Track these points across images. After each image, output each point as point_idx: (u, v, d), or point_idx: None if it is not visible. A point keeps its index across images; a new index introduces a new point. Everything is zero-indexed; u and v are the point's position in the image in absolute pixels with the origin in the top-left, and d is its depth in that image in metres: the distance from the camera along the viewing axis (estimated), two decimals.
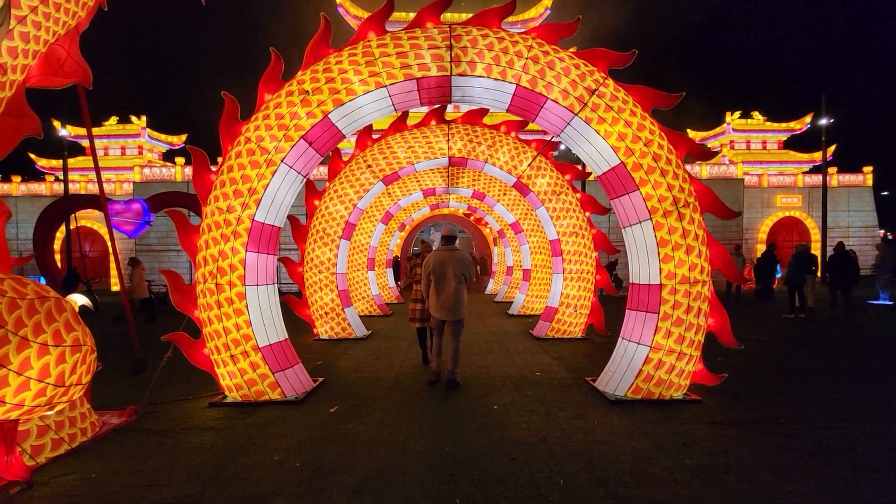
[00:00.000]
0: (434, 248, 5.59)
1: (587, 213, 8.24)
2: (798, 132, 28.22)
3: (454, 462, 3.41)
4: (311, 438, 3.86)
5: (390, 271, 15.15)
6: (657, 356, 4.66)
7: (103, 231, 22.28)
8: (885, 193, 34.52)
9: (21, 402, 2.75)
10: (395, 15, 4.98)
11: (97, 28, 4.26)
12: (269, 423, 4.22)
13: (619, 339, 5.12)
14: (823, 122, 18.98)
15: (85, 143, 26.62)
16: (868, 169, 24.76)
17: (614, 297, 12.18)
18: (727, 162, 23.73)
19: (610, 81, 4.80)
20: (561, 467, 3.31)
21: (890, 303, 12.14)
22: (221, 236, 4.75)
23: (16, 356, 2.66)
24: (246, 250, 4.77)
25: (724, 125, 28.21)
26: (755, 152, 28.04)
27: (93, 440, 3.83)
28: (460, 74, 4.79)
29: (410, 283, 6.42)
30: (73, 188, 21.61)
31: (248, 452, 3.61)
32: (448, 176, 10.57)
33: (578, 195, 8.30)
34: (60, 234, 18.61)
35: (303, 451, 3.62)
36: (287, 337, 5.24)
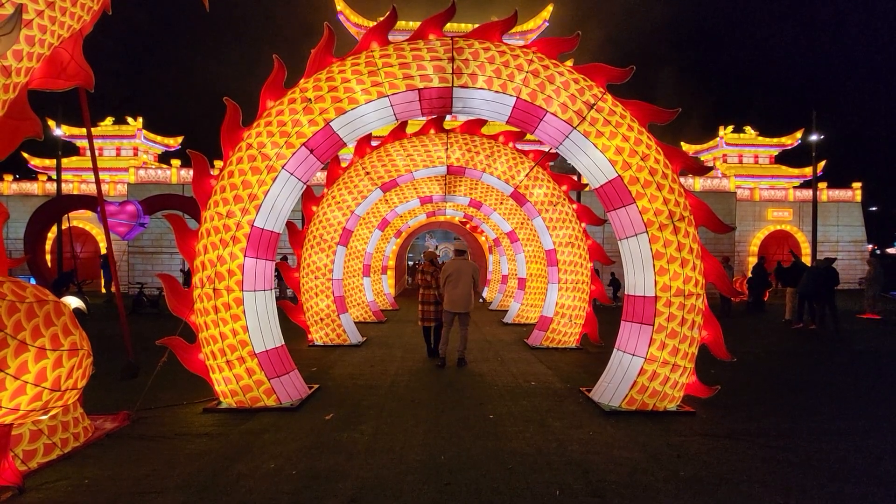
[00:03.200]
0: (449, 257, 7.32)
1: (583, 224, 8.32)
2: (789, 147, 28.73)
3: (450, 471, 3.41)
4: (306, 446, 3.85)
5: (385, 277, 15.14)
6: (652, 368, 4.71)
7: (95, 232, 22.09)
8: (874, 209, 35.11)
9: (17, 407, 2.72)
10: (397, 23, 5.05)
11: (95, 28, 4.28)
12: (264, 430, 4.20)
13: (614, 351, 5.16)
14: (814, 137, 19.35)
15: (79, 142, 26.45)
16: (857, 184, 25.24)
17: (608, 307, 12.28)
18: (720, 175, 24.06)
19: (608, 96, 4.89)
20: (557, 477, 3.32)
21: (878, 317, 12.32)
22: (220, 241, 4.75)
23: (13, 360, 2.64)
24: (245, 256, 4.77)
25: (717, 139, 28.66)
26: (747, 166, 28.48)
27: (85, 445, 3.79)
28: (461, 86, 4.85)
29: (418, 286, 7.45)
30: (66, 188, 21.43)
31: (243, 460, 3.59)
32: (445, 184, 10.63)
33: (575, 206, 8.39)
34: (51, 235, 18.42)
35: (298, 458, 3.61)
36: (283, 343, 5.23)
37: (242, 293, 4.75)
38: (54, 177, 20.01)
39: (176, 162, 21.96)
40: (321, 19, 4.82)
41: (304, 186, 5.35)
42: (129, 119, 26.61)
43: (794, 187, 25.89)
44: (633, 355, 4.83)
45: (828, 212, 24.49)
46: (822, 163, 25.87)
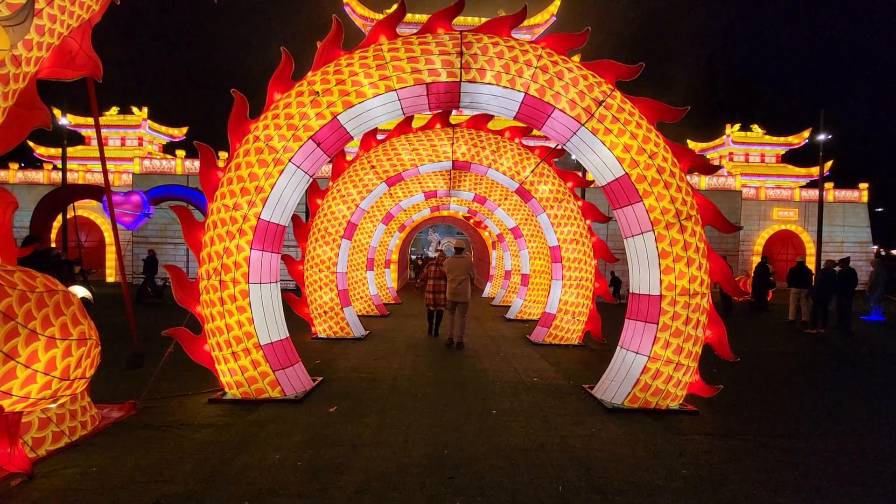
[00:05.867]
0: (449, 255, 8.13)
1: (587, 221, 8.30)
2: (796, 146, 28.54)
3: (454, 465, 3.44)
4: (311, 438, 3.88)
5: (388, 271, 15.17)
6: (655, 366, 4.72)
7: (100, 221, 22.18)
8: (880, 210, 34.89)
9: (27, 395, 2.76)
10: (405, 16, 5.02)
11: (101, 17, 4.26)
12: (268, 422, 4.23)
13: (618, 348, 5.16)
14: (821, 137, 19.17)
15: (84, 132, 26.51)
16: (864, 185, 25.07)
17: (610, 304, 12.25)
18: (726, 174, 23.92)
19: (617, 93, 4.86)
20: (559, 473, 3.34)
21: (882, 319, 12.29)
22: (227, 233, 4.76)
23: (24, 349, 2.67)
24: (251, 248, 4.78)
25: (724, 137, 28.48)
26: (753, 165, 28.31)
27: (93, 434, 3.83)
28: (470, 81, 4.83)
29: (426, 278, 8.62)
30: (71, 177, 21.51)
31: (248, 450, 3.62)
32: (450, 179, 10.61)
33: (580, 203, 8.36)
34: (56, 224, 18.50)
35: (303, 450, 3.64)
36: (288, 335, 5.26)
37: (248, 285, 4.77)
38: (59, 165, 20.07)
39: (181, 152, 21.97)
40: (328, 11, 4.79)
41: (311, 179, 5.35)
42: (134, 109, 26.62)
43: (801, 187, 25.74)
44: (637, 353, 4.84)
45: (834, 212, 24.34)
46: (829, 163, 25.68)
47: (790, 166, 28.32)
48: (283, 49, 4.95)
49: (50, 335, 2.79)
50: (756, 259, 23.63)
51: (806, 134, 27.74)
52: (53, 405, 3.30)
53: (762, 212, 24.43)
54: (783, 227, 24.48)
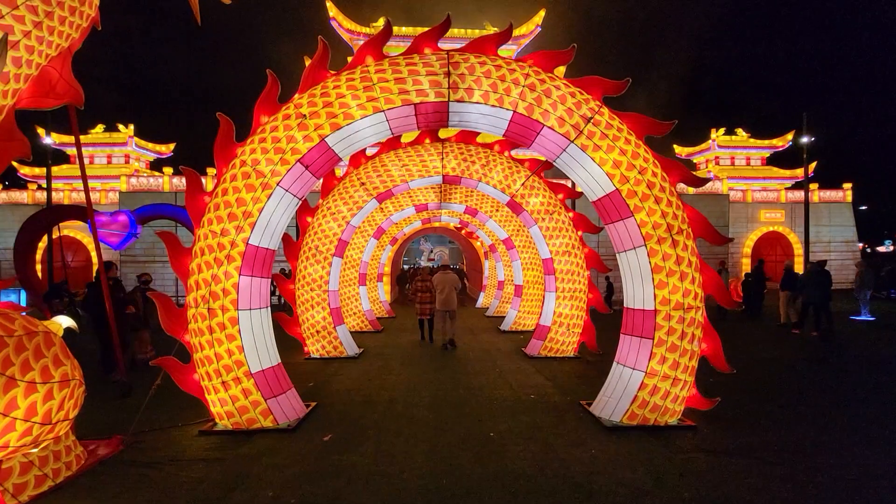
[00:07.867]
0: (437, 268, 9.71)
1: (579, 232, 8.31)
2: (781, 149, 29.00)
3: (452, 497, 3.36)
4: (305, 471, 3.78)
5: (381, 285, 15.04)
6: (652, 382, 4.68)
7: (87, 241, 21.83)
8: (864, 208, 35.52)
9: (6, 444, 2.65)
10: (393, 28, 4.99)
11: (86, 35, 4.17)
12: (261, 454, 4.12)
13: (614, 364, 5.13)
14: (805, 139, 19.49)
15: (69, 150, 26.17)
16: (848, 185, 25.50)
17: (605, 313, 12.25)
18: (713, 177, 24.20)
19: (605, 109, 4.87)
20: (561, 503, 3.28)
21: (872, 318, 12.41)
22: (215, 260, 4.67)
23: (2, 397, 2.56)
24: (239, 274, 4.69)
25: (710, 141, 28.86)
26: (739, 168, 28.70)
27: (78, 474, 3.69)
28: (458, 101, 4.82)
29: (416, 290, 9.78)
30: (56, 197, 21.18)
31: (240, 487, 3.51)
32: (441, 192, 10.58)
33: (571, 214, 8.37)
34: (42, 244, 18.16)
35: (298, 485, 3.54)
36: (280, 361, 5.15)
37: (237, 312, 4.67)
38: (44, 185, 19.75)
39: (168, 170, 21.76)
40: (315, 26, 4.75)
41: (300, 202, 5.28)
42: (120, 126, 26.35)
43: (786, 188, 26.13)
44: (634, 369, 4.81)
45: (819, 212, 24.71)
46: (814, 164, 26.08)
47: (775, 168, 28.75)
48: (269, 72, 4.90)
49: (30, 380, 2.69)
50: (746, 261, 23.90)
51: (790, 136, 28.21)
52: (35, 450, 3.17)
53: (750, 214, 24.73)
54: (771, 228, 24.79)
